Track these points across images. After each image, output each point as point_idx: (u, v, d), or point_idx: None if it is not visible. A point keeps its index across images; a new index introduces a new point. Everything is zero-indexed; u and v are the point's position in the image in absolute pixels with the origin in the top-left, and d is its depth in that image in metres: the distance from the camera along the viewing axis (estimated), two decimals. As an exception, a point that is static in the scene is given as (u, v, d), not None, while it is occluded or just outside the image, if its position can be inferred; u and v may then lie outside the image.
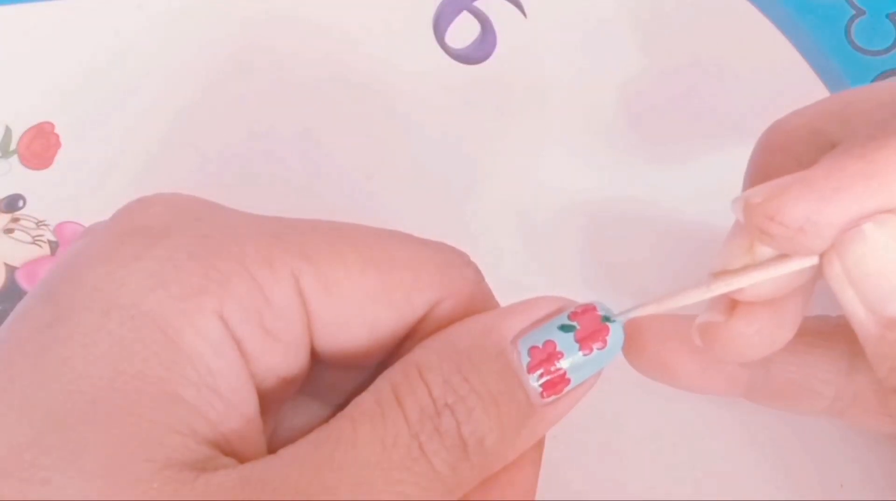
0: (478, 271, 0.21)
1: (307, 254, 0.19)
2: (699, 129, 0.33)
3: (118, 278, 0.18)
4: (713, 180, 0.33)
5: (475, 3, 0.35)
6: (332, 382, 0.21)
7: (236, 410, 0.18)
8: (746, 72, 0.34)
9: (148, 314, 0.18)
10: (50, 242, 0.33)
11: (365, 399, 0.18)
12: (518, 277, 0.31)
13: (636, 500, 0.28)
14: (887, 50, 0.34)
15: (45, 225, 0.33)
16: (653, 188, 0.32)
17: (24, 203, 0.33)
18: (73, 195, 0.33)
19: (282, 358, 0.19)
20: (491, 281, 0.22)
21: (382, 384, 0.19)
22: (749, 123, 0.33)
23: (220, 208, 0.21)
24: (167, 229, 0.19)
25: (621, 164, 0.33)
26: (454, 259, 0.21)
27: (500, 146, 0.33)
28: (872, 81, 0.33)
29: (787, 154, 0.22)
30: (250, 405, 0.19)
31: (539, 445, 0.20)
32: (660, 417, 0.29)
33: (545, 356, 0.19)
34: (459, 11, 0.35)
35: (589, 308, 0.20)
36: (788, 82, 0.33)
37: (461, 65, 0.34)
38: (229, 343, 0.18)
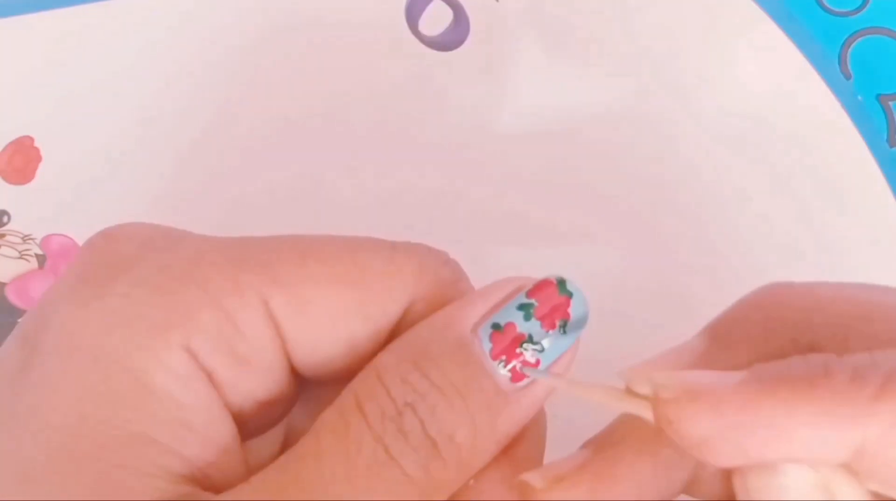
0: (456, 270, 0.20)
1: (275, 276, 0.18)
2: (672, 96, 0.33)
3: (80, 319, 0.18)
4: (698, 155, 0.33)
5: (446, -10, 0.35)
6: (328, 395, 0.21)
7: (212, 443, 0.18)
8: (712, 34, 0.34)
9: (112, 354, 0.17)
10: (37, 255, 0.33)
11: (329, 412, 0.18)
12: (504, 267, 0.31)
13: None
14: (857, 10, 0.34)
15: (31, 239, 0.33)
16: (635, 175, 0.33)
17: (9, 219, 0.33)
18: (57, 208, 0.33)
19: (258, 384, 0.19)
20: (479, 274, 0.21)
21: (345, 394, 0.18)
22: (716, 84, 0.33)
23: (184, 234, 0.20)
24: (129, 262, 0.19)
25: (599, 147, 0.33)
26: (429, 260, 0.20)
27: (478, 132, 0.33)
28: (843, 42, 0.34)
29: (759, 330, 0.19)
30: (227, 437, 0.18)
31: (535, 442, 0.20)
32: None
33: (508, 341, 0.18)
34: (431, -1, 0.35)
35: (545, 283, 0.19)
36: (756, 44, 0.34)
37: (436, 52, 0.34)
38: (199, 376, 0.18)
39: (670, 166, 0.33)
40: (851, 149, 0.32)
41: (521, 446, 0.19)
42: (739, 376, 0.17)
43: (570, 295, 0.19)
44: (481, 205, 0.32)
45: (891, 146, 0.33)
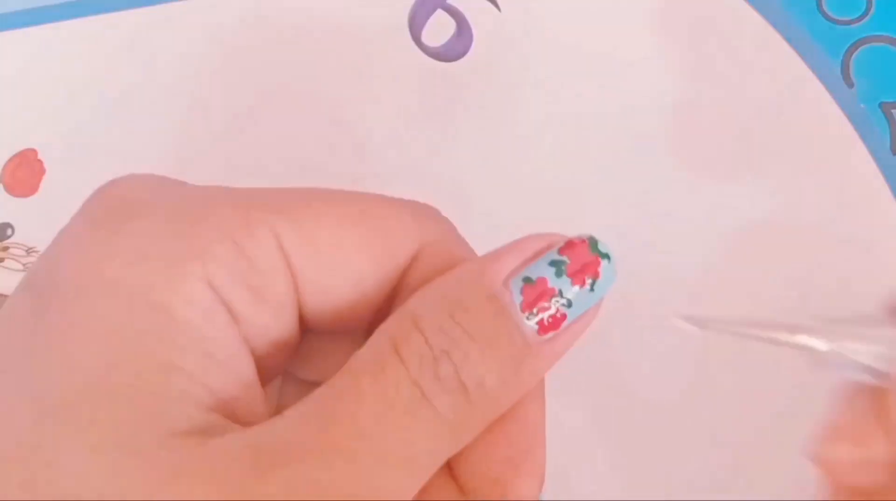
0: (450, 222, 0.22)
1: (284, 212, 0.19)
2: (674, 104, 0.33)
3: (96, 257, 0.18)
4: (691, 150, 0.33)
5: (449, 1, 0.35)
6: (325, 356, 0.22)
7: (234, 375, 0.18)
8: (716, 45, 0.34)
9: (132, 288, 0.18)
10: (41, 268, 0.33)
11: (364, 353, 0.18)
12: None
13: (643, 500, 0.28)
14: (859, 19, 0.34)
15: (35, 252, 0.33)
16: (637, 176, 0.33)
17: (13, 231, 0.33)
18: (61, 220, 0.33)
19: (271, 319, 0.19)
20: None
21: (380, 337, 0.19)
22: (717, 92, 0.33)
23: (191, 184, 0.21)
24: (141, 204, 0.19)
25: (601, 153, 0.33)
26: (427, 211, 0.21)
27: (480, 142, 0.33)
28: (846, 50, 0.34)
29: None
30: (248, 370, 0.19)
31: (540, 387, 0.20)
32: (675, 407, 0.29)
33: (538, 294, 0.19)
34: (434, 10, 0.35)
35: (578, 241, 0.20)
36: (758, 52, 0.34)
37: (439, 63, 0.34)
38: (219, 308, 0.18)
39: (671, 170, 0.33)
40: (854, 157, 0.33)
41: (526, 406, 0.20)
42: None
43: (600, 255, 0.19)
44: (487, 215, 0.32)
45: (894, 154, 0.33)
